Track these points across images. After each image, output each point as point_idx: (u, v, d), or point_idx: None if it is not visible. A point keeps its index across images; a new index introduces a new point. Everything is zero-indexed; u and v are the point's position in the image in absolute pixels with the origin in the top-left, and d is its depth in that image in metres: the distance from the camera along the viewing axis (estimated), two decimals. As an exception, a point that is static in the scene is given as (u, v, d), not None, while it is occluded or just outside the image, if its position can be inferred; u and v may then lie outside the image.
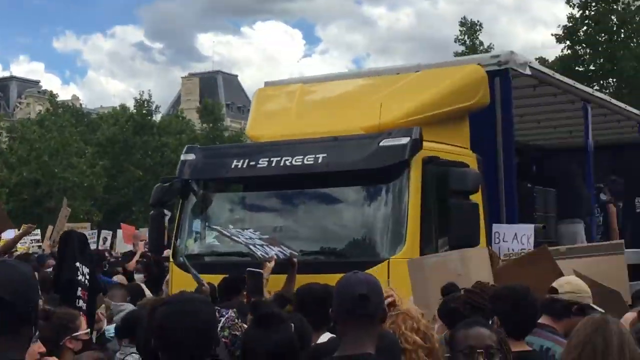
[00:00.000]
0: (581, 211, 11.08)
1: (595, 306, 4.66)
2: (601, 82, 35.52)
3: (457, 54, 34.10)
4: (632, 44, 33.46)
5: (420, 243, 7.56)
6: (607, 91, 35.12)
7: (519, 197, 9.75)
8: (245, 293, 7.23)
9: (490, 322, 4.22)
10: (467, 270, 5.88)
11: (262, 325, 3.44)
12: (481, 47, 35.06)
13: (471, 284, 5.24)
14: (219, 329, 5.51)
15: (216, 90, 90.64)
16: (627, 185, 14.27)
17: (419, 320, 4.00)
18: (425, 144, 7.80)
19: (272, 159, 8.14)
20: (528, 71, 9.43)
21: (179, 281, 8.22)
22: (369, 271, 7.16)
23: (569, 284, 4.70)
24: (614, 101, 13.02)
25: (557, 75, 10.90)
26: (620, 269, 6.65)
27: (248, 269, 7.34)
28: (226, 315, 5.93)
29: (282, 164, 8.04)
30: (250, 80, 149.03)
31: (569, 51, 34.57)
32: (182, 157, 8.86)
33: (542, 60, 35.67)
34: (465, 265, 5.97)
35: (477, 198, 8.09)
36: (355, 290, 3.19)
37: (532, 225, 8.24)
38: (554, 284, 4.68)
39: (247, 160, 8.27)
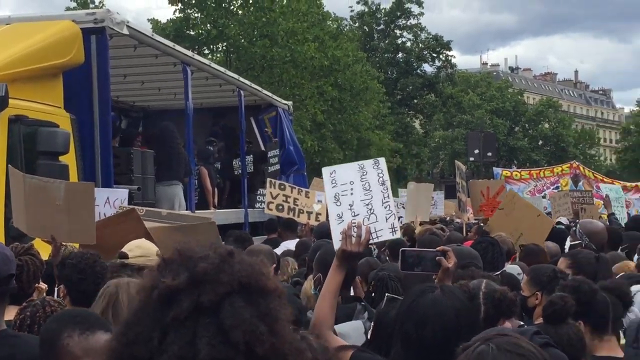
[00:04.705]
0: (179, 173, 11.25)
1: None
2: (211, 46, 36.59)
3: (68, 10, 32.91)
4: (239, 11, 34.86)
5: (5, 207, 7.14)
6: (218, 56, 36.30)
7: (117, 158, 9.67)
8: None
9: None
10: (66, 203, 5.71)
11: None
12: (92, 5, 34.18)
13: (70, 215, 5.45)
14: None
15: None
16: (226, 147, 14.83)
17: None
18: (11, 101, 7.35)
19: None
20: (126, 31, 9.28)
21: None
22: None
23: (139, 247, 4.67)
24: (214, 65, 13.35)
25: (157, 37, 10.89)
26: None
27: None
28: None
29: None
30: None
31: (181, 14, 35.09)
32: None
33: (154, 22, 35.83)
34: (67, 197, 5.76)
35: (69, 159, 7.84)
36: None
37: (126, 190, 8.16)
38: (124, 249, 4.63)
39: None
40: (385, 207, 4.36)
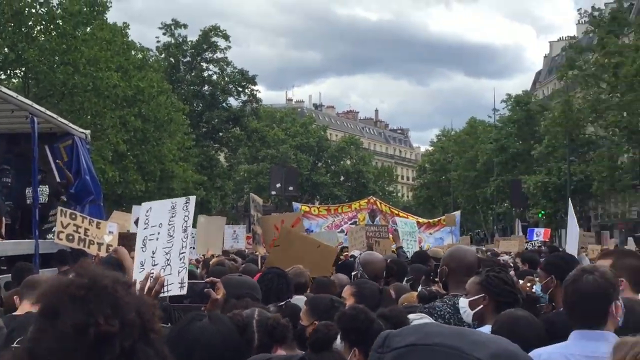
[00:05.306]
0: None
1: None
2: (9, 71, 35.15)
3: None
4: (40, 36, 33.78)
5: None
6: (15, 81, 34.96)
7: None
8: None
9: None
10: None
11: None
12: None
13: None
14: None
15: None
16: (18, 176, 14.22)
17: None
18: None
19: None
20: None
21: None
22: None
23: None
24: (4, 90, 12.80)
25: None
26: None
27: None
28: None
29: None
30: None
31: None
32: None
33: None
34: None
35: None
36: None
37: None
38: None
39: None
40: (180, 259, 4.41)
